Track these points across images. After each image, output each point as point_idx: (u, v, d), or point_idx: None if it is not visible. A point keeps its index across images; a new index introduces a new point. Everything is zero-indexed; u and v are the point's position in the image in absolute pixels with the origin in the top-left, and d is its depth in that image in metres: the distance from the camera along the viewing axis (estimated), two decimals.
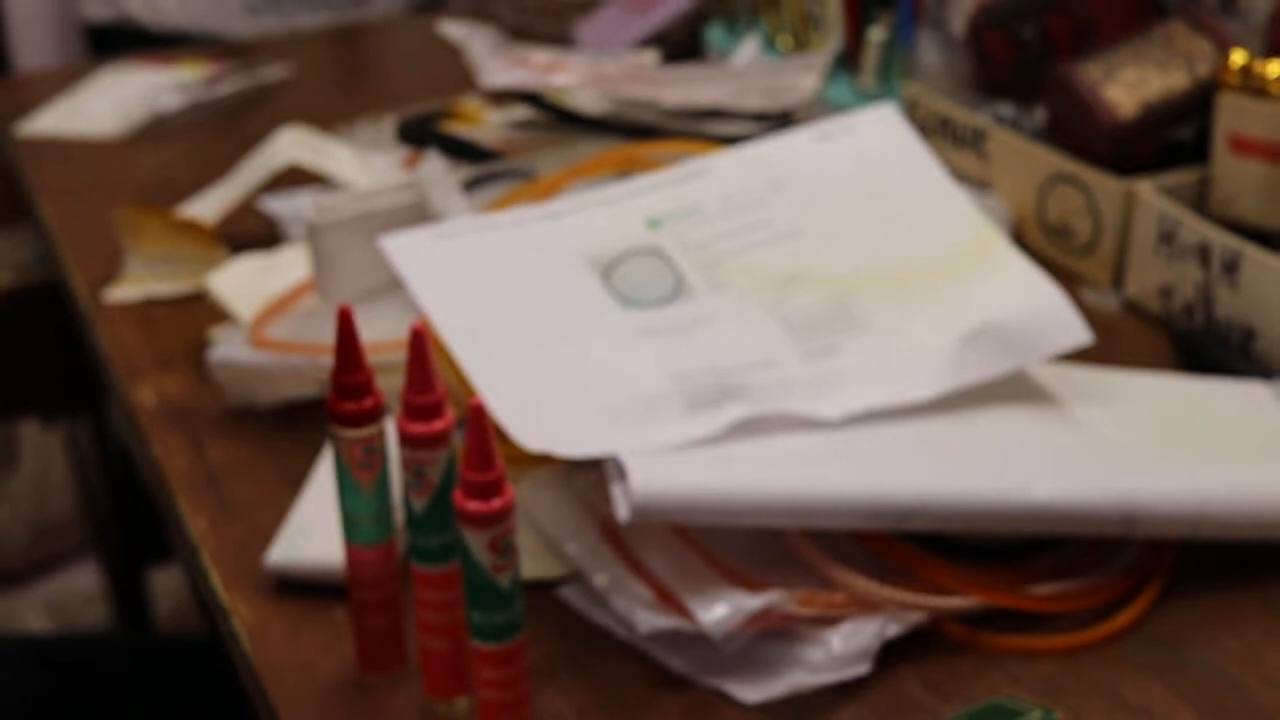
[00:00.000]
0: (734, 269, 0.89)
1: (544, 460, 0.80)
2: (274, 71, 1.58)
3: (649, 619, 0.77)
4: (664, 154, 1.02)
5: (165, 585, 2.00)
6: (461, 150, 1.14)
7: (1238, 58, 1.04)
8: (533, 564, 0.82)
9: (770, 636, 0.78)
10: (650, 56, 1.37)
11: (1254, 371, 0.96)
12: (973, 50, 1.22)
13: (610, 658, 0.79)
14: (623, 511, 0.76)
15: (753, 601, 0.76)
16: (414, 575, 0.74)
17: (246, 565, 0.87)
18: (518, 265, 0.88)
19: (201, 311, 1.11)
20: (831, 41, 1.37)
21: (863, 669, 0.77)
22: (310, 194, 1.23)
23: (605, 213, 0.91)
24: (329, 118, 1.40)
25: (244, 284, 1.10)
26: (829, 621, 0.78)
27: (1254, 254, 0.99)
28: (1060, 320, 0.88)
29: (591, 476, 0.81)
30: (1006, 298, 0.89)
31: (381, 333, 0.93)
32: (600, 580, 0.80)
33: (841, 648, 0.77)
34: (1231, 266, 1.00)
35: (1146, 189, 1.07)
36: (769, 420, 0.82)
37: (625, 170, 1.01)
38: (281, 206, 1.23)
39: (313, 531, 0.86)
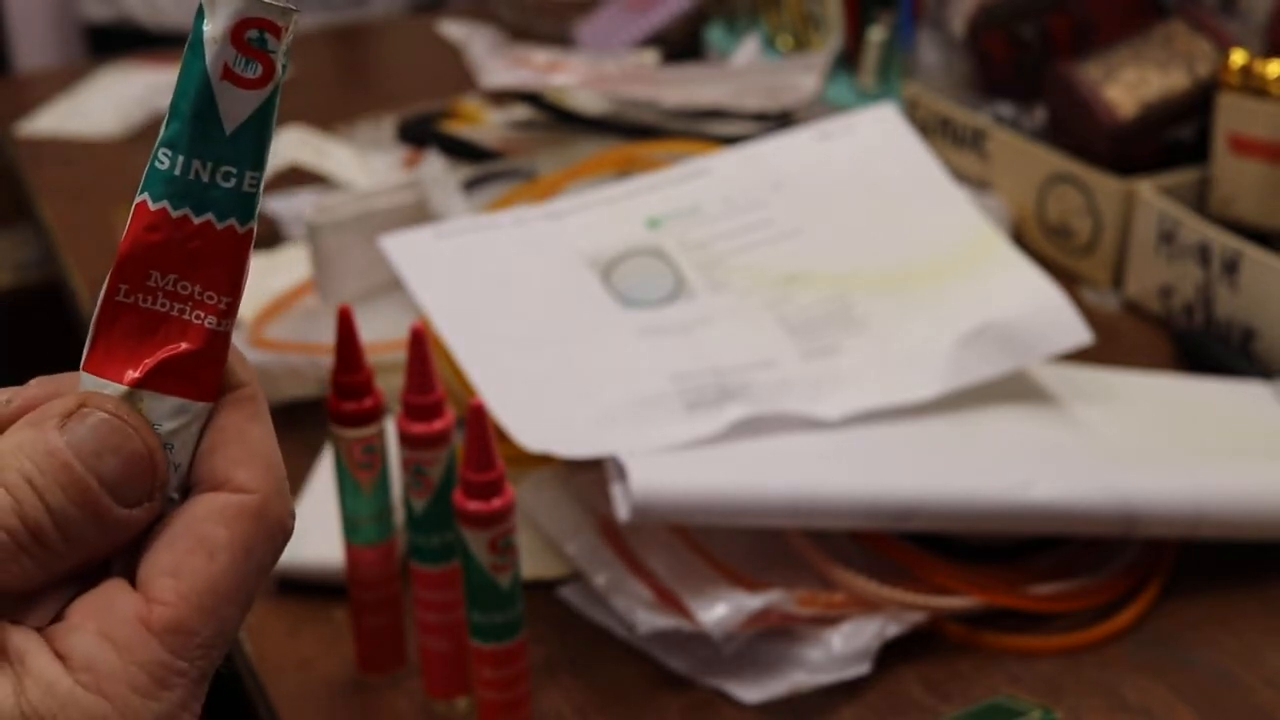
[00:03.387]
0: (734, 269, 0.89)
1: (544, 460, 0.80)
2: None
3: (649, 619, 0.77)
4: (664, 154, 1.02)
5: None
6: (461, 150, 1.14)
7: (1238, 58, 1.04)
8: (533, 564, 0.82)
9: (770, 636, 0.78)
10: (650, 56, 1.37)
11: (1254, 371, 0.96)
12: (973, 50, 1.22)
13: (610, 658, 0.79)
14: (623, 511, 0.76)
15: (753, 601, 0.76)
16: (414, 575, 0.74)
17: None
18: (518, 265, 0.88)
19: None
20: (831, 41, 1.37)
21: (863, 669, 0.77)
22: (310, 194, 1.23)
23: (605, 213, 0.91)
24: (329, 118, 1.40)
25: None
26: (829, 621, 0.78)
27: (1254, 254, 0.99)
28: (1060, 320, 0.88)
29: (591, 476, 0.81)
30: (1007, 298, 0.89)
31: (381, 333, 0.93)
32: (600, 580, 0.80)
33: (841, 648, 0.77)
34: (1231, 266, 1.00)
35: (1146, 189, 1.07)
36: (769, 420, 0.82)
37: (625, 170, 1.01)
38: (281, 206, 1.23)
39: (313, 531, 0.86)
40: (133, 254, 0.45)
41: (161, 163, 0.44)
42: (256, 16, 0.44)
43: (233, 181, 0.44)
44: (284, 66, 0.45)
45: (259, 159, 0.45)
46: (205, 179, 0.44)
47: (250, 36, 0.44)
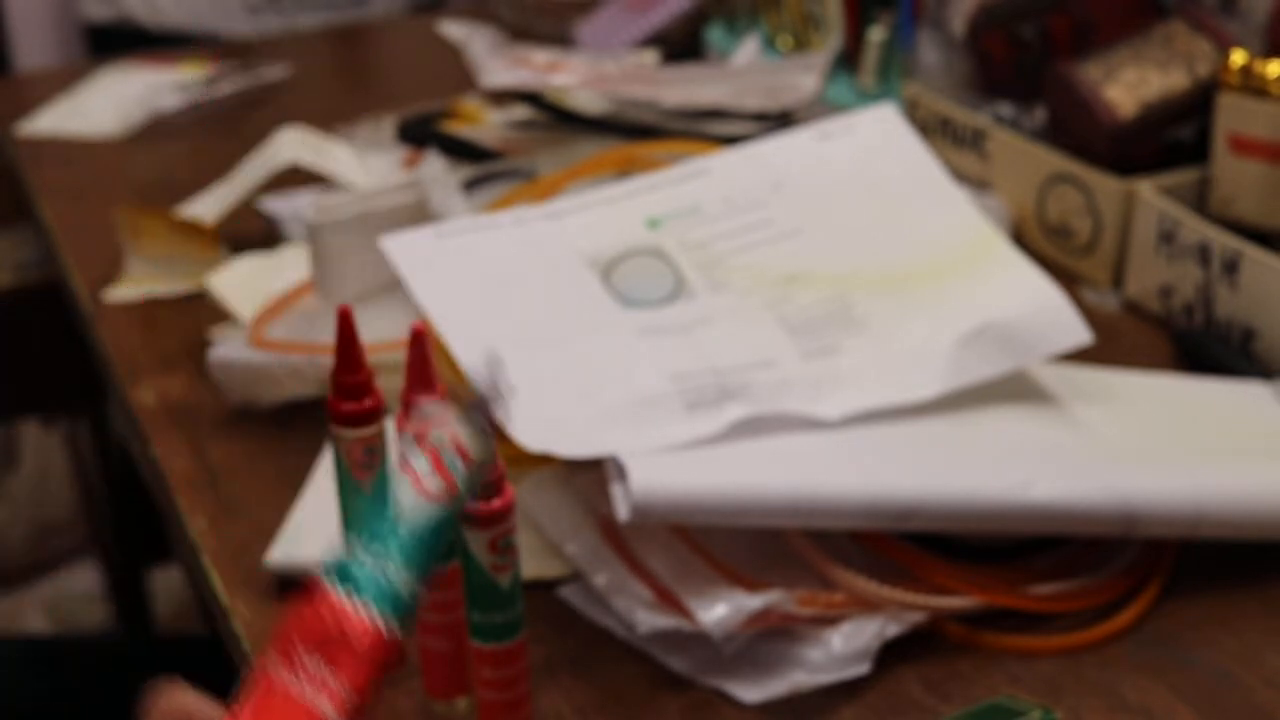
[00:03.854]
0: (734, 269, 0.89)
1: (544, 460, 0.80)
2: (274, 71, 1.58)
3: (649, 619, 0.77)
4: (664, 154, 1.02)
5: (165, 585, 2.00)
6: (461, 150, 1.14)
7: (1238, 58, 1.04)
8: (533, 564, 0.82)
9: (770, 636, 0.78)
10: (650, 56, 1.37)
11: (1254, 371, 0.96)
12: (973, 50, 1.22)
13: (610, 658, 0.79)
14: (623, 511, 0.76)
15: (753, 601, 0.76)
16: None
17: (246, 565, 0.87)
18: (518, 265, 0.88)
19: (201, 311, 1.11)
20: (831, 41, 1.37)
21: (863, 669, 0.77)
22: (310, 194, 1.23)
23: (605, 213, 0.91)
24: (329, 118, 1.40)
25: (244, 284, 1.10)
26: (829, 621, 0.78)
27: (1254, 254, 0.99)
28: (1060, 320, 0.88)
29: (591, 476, 0.81)
30: (1007, 298, 0.89)
31: (381, 333, 0.93)
32: (600, 580, 0.80)
33: (841, 648, 0.77)
34: (1231, 266, 1.00)
35: (1146, 189, 1.07)
36: (769, 420, 0.82)
37: (625, 170, 1.01)
38: (281, 206, 1.23)
39: (313, 531, 0.86)
40: (292, 627, 0.46)
41: (348, 546, 0.46)
42: None
43: (389, 579, 0.46)
44: (470, 493, 0.46)
45: (421, 566, 0.46)
46: (370, 569, 0.46)
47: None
